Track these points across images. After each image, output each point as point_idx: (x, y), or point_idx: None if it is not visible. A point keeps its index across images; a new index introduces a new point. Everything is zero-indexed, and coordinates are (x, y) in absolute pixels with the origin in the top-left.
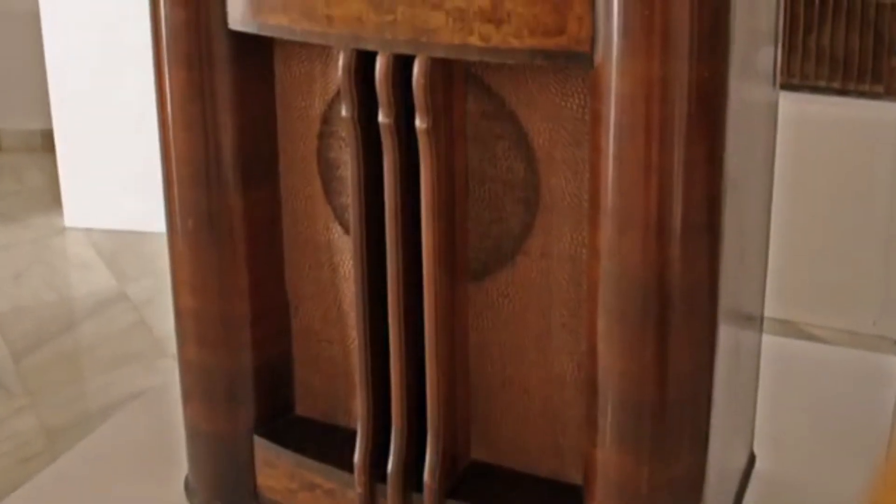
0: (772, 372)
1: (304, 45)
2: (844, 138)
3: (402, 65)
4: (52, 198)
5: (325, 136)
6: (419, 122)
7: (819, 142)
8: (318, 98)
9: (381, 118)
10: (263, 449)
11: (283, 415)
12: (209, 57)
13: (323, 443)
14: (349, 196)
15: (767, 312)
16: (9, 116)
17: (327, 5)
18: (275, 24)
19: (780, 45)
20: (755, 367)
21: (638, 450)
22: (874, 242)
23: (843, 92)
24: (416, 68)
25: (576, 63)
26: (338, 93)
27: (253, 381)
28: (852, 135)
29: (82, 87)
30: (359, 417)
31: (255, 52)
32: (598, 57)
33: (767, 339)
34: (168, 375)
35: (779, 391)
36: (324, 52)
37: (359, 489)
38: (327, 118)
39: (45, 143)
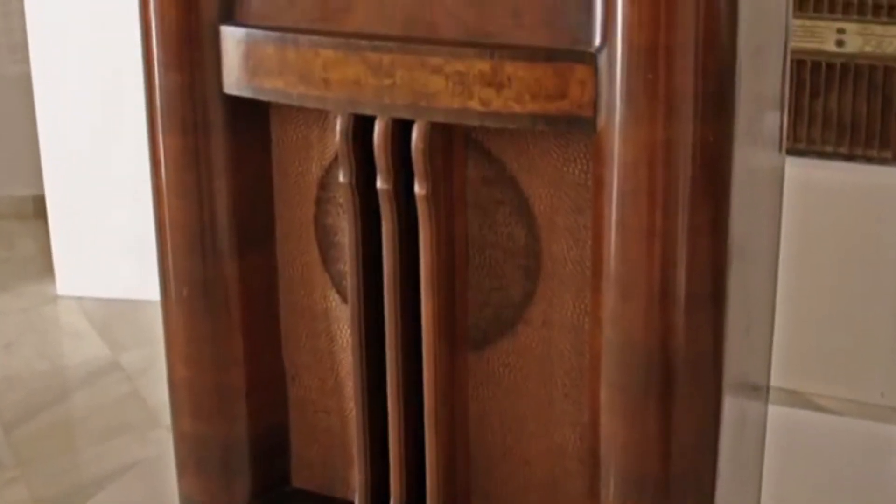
0: (778, 443)
1: (300, 110)
2: (851, 204)
3: (401, 129)
4: (43, 265)
5: (322, 202)
6: (418, 188)
7: (826, 208)
8: (315, 163)
9: (379, 184)
10: None
11: (280, 487)
12: (204, 122)
13: None
14: (347, 263)
15: (773, 382)
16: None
17: (325, 69)
18: (271, 88)
19: (786, 109)
20: (761, 438)
21: None
22: (882, 311)
23: (850, 157)
24: (416, 133)
25: (578, 128)
26: (335, 158)
27: (248, 452)
28: (859, 201)
29: (75, 152)
30: (357, 489)
31: (250, 116)
32: (601, 122)
33: (773, 410)
34: (162, 446)
35: (785, 462)
36: (321, 117)
37: None
38: (325, 184)
39: (37, 209)
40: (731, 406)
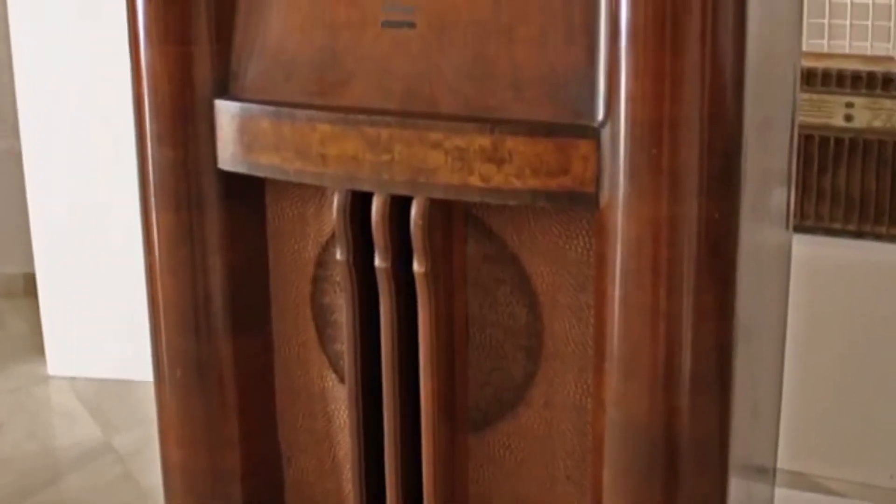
0: None
1: (297, 186)
2: (860, 283)
3: (399, 205)
4: (34, 345)
5: (318, 280)
6: (417, 266)
7: (834, 286)
8: (311, 240)
9: (377, 262)
10: None
11: None
12: (198, 198)
13: None
14: (344, 343)
15: (780, 464)
16: None
17: (321, 144)
18: (266, 164)
19: (793, 185)
20: None
21: None
22: (892, 392)
23: (859, 234)
24: (414, 210)
25: (580, 204)
26: (332, 235)
27: None
28: (869, 279)
29: (66, 229)
30: None
31: (245, 192)
32: (604, 198)
33: (780, 493)
34: None
35: None
36: (317, 193)
37: None
38: (321, 261)
39: (28, 287)
40: (736, 489)
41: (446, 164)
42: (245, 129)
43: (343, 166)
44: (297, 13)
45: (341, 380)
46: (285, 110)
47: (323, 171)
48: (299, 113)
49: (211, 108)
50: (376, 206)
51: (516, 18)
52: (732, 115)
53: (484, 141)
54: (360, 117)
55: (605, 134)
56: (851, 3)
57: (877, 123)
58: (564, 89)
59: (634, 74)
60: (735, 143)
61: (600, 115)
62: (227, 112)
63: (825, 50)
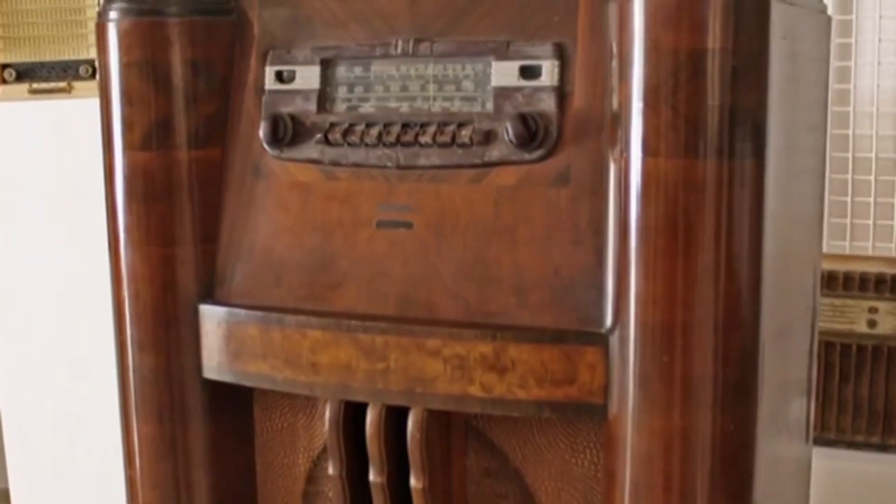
0: None
1: (286, 396)
2: (885, 499)
3: (395, 416)
4: None
5: (310, 495)
6: (414, 481)
7: (857, 503)
8: (302, 454)
9: (372, 476)
10: None
11: None
12: (182, 409)
13: None
14: None
15: None
16: None
17: (312, 351)
18: (254, 373)
19: (813, 395)
20: None
21: None
22: None
23: (883, 448)
24: (411, 421)
25: (587, 416)
26: (324, 448)
27: None
28: (894, 496)
29: (41, 443)
30: None
31: (232, 403)
32: (613, 409)
33: None
34: None
35: None
36: (308, 403)
37: None
38: (312, 476)
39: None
40: None
41: (445, 372)
42: (232, 336)
43: (335, 375)
44: (286, 212)
45: None
46: (274, 315)
47: (314, 380)
48: (289, 318)
49: (195, 313)
50: (371, 417)
51: (518, 218)
52: (749, 321)
53: (485, 348)
54: (354, 323)
55: (614, 340)
56: (875, 203)
57: None
58: (570, 293)
59: (645, 277)
60: (751, 351)
61: (608, 321)
62: (212, 317)
63: (847, 252)
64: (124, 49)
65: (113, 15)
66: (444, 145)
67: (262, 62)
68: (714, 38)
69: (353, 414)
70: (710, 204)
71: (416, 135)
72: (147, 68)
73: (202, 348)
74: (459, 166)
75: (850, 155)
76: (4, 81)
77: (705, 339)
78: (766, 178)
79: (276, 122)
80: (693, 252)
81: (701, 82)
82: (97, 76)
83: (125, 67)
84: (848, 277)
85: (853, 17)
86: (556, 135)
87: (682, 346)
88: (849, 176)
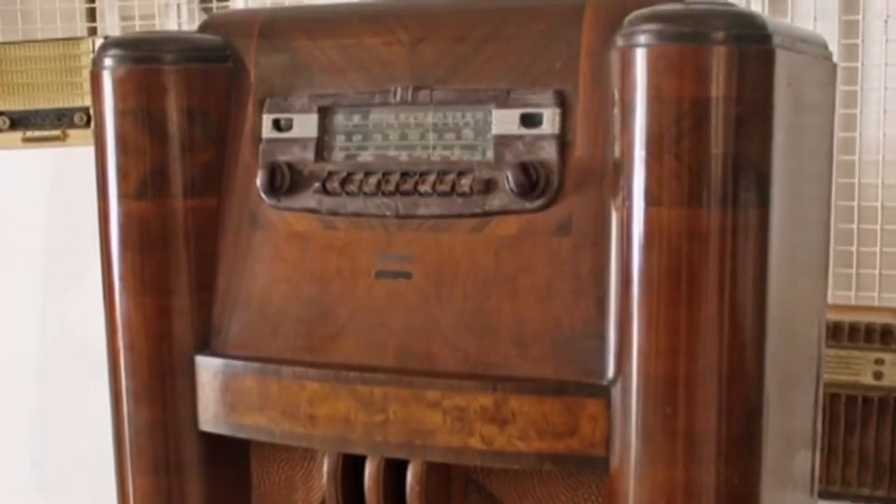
0: None
1: (284, 448)
2: None
3: (394, 469)
4: None
5: None
6: None
7: None
8: None
9: None
10: None
11: None
12: (177, 462)
13: None
14: None
15: None
16: None
17: (310, 404)
18: (251, 425)
19: (818, 447)
20: None
21: None
22: None
23: (889, 501)
24: (411, 474)
25: (589, 468)
26: (323, 501)
27: None
28: None
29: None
30: None
31: (229, 455)
32: (615, 462)
33: None
34: None
35: None
36: (306, 456)
37: None
38: None
39: None
40: None
41: (445, 424)
42: (228, 388)
43: (334, 427)
44: (284, 262)
45: None
46: (271, 367)
47: (312, 432)
48: (286, 370)
49: (191, 364)
50: (369, 470)
51: (519, 269)
52: (753, 372)
53: (485, 400)
54: (352, 375)
55: (616, 392)
56: (881, 252)
57: None
58: (571, 344)
59: (647, 328)
60: (756, 404)
61: (610, 372)
62: (208, 368)
63: (853, 302)
64: (119, 97)
65: (108, 62)
66: (444, 194)
67: (259, 110)
68: (718, 86)
69: (351, 466)
70: (714, 254)
71: (416, 184)
72: (142, 116)
73: (198, 400)
74: (459, 215)
75: (855, 204)
76: None
77: (709, 392)
78: (770, 228)
79: (273, 171)
80: (696, 303)
81: (704, 131)
82: (92, 124)
83: (120, 115)
84: (853, 328)
85: (859, 64)
86: (558, 184)
87: (685, 398)
88: (854, 225)
